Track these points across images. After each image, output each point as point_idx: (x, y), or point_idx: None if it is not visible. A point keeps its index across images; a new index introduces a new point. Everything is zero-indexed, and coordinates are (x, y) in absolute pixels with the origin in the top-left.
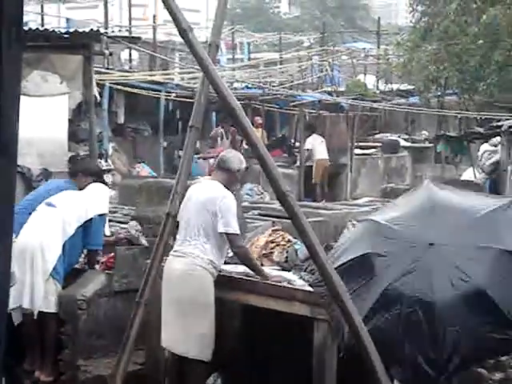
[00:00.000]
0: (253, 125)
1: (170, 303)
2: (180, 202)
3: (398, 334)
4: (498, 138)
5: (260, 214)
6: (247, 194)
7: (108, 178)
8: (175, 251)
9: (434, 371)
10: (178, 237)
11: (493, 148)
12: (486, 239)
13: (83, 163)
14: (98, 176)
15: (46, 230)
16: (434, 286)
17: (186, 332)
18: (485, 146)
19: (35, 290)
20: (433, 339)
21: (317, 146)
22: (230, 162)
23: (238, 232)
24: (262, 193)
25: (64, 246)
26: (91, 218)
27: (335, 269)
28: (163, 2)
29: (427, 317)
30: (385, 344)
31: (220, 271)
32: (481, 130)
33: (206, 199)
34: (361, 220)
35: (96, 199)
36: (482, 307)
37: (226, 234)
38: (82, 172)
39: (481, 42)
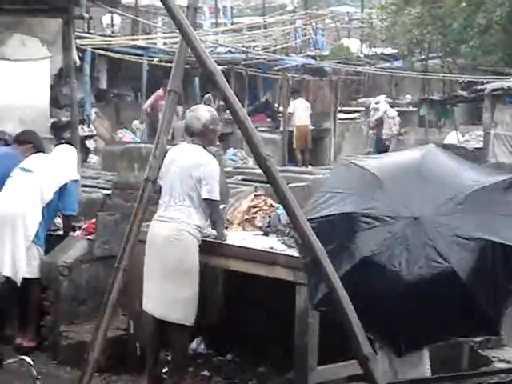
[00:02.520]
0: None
1: (153, 268)
2: (159, 167)
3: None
4: (383, 96)
5: (243, 179)
6: (230, 159)
7: (91, 143)
8: (160, 216)
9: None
10: (161, 201)
11: (376, 106)
12: (475, 225)
13: (34, 135)
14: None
15: (25, 197)
16: (409, 262)
17: (170, 297)
18: (372, 105)
19: (17, 258)
20: (407, 312)
21: (300, 112)
22: (191, 125)
23: (219, 198)
24: (246, 158)
25: (43, 211)
26: (66, 184)
27: (315, 219)
28: None
29: (402, 291)
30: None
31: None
32: (464, 93)
33: (191, 165)
34: (353, 163)
35: (68, 164)
36: (454, 291)
37: (210, 200)
38: (33, 143)
39: (464, 4)
